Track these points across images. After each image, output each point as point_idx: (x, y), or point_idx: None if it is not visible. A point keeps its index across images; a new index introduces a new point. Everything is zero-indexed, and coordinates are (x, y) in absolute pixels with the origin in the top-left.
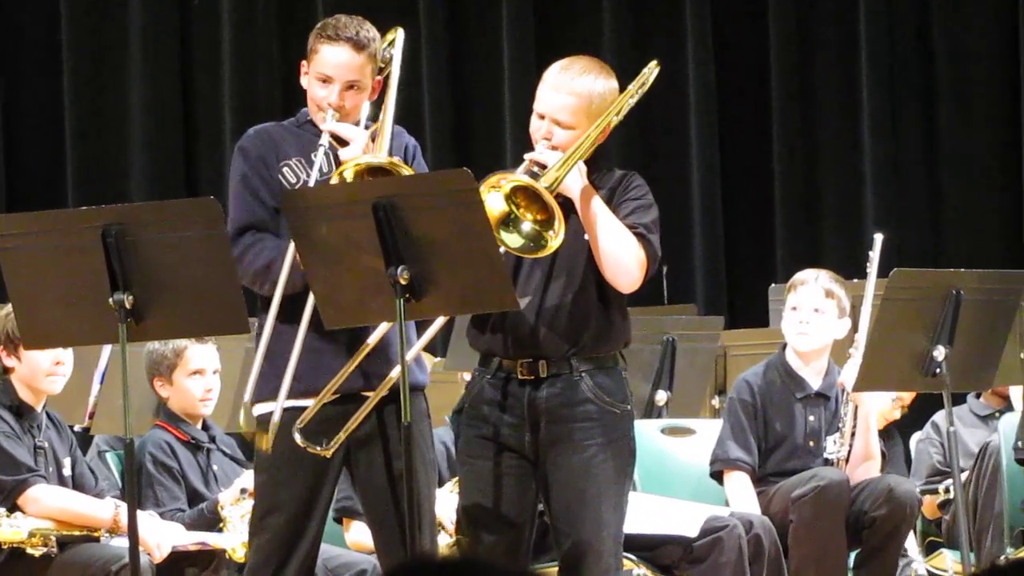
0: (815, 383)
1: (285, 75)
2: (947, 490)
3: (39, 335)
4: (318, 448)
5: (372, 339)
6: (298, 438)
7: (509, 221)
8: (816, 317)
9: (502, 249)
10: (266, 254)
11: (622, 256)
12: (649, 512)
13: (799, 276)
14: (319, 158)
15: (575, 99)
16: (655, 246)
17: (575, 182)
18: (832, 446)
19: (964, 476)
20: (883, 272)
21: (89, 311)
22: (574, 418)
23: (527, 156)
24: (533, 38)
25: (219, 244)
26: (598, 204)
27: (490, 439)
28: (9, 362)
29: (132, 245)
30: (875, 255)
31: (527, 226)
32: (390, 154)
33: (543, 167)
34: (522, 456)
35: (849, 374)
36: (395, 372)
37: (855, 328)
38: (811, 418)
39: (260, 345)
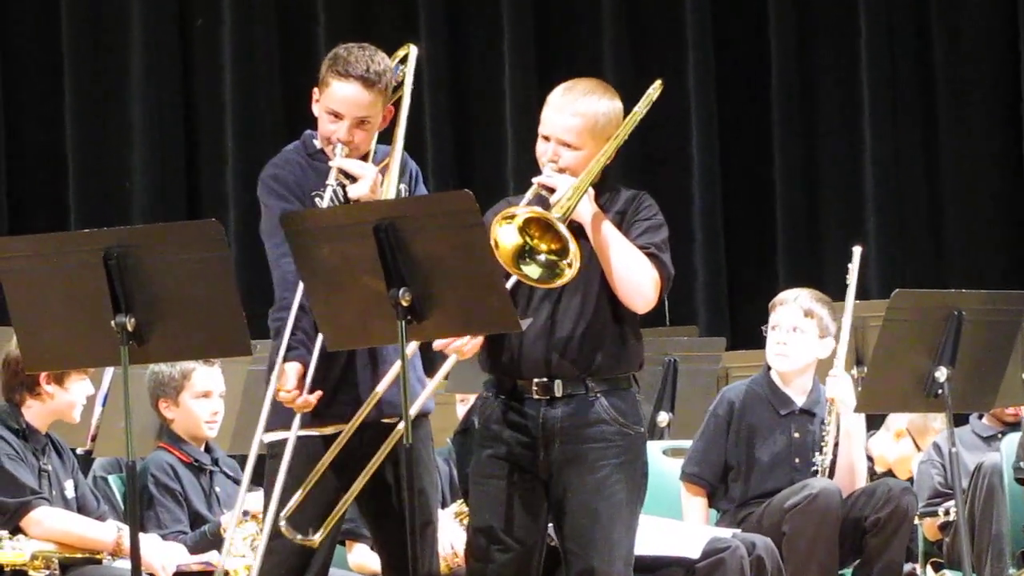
0: (799, 400)
1: (286, 96)
2: (947, 512)
3: (41, 357)
4: (304, 538)
5: (389, 376)
6: (283, 526)
7: (525, 252)
8: (794, 337)
9: (513, 279)
10: (274, 318)
11: (636, 278)
12: (651, 533)
13: (780, 296)
14: (327, 194)
15: (580, 120)
16: (668, 265)
17: (585, 208)
18: (819, 461)
19: None
20: (883, 292)
21: (91, 333)
22: (588, 439)
23: (535, 180)
24: (534, 60)
25: (221, 265)
26: (608, 228)
27: (503, 459)
28: (49, 388)
29: (134, 267)
30: (854, 267)
31: (542, 257)
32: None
33: (551, 191)
34: (535, 476)
35: (834, 388)
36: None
37: (836, 340)
38: (796, 435)
39: (272, 377)
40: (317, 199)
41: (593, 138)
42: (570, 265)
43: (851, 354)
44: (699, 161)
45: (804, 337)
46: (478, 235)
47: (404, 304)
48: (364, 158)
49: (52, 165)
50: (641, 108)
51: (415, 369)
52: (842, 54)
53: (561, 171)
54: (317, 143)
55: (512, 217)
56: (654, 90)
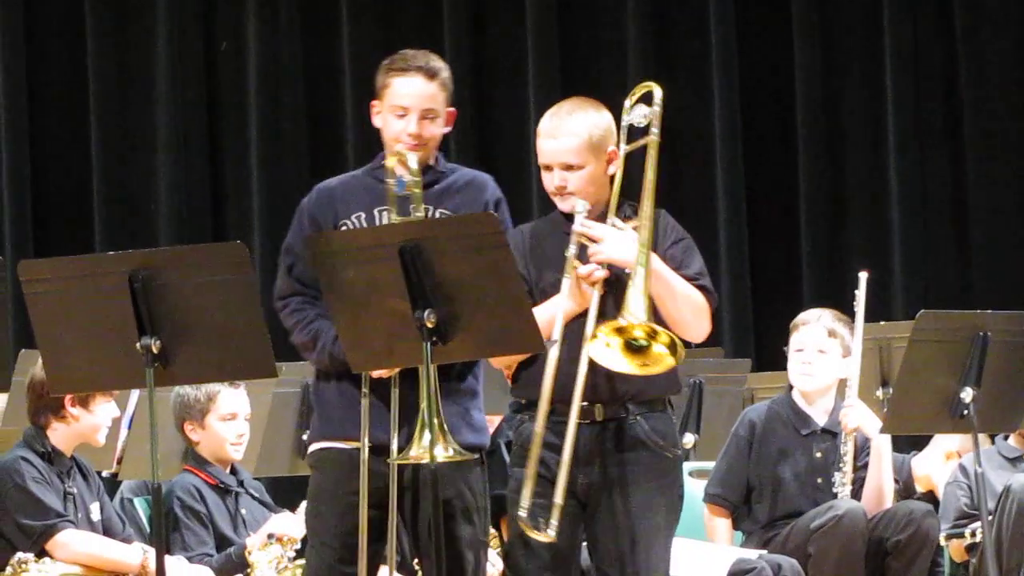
0: (821, 420)
1: (311, 119)
2: (973, 533)
3: (66, 380)
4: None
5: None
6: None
7: (632, 346)
8: (820, 357)
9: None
10: (305, 332)
11: (693, 316)
12: (677, 555)
13: (802, 316)
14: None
15: (576, 139)
16: (712, 290)
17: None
18: (840, 482)
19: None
20: (908, 313)
21: (116, 356)
22: (628, 462)
23: (575, 229)
24: (559, 79)
25: (246, 288)
26: (664, 273)
27: (546, 478)
28: (74, 410)
29: (159, 290)
30: (861, 294)
31: (642, 342)
32: None
33: (593, 240)
34: (574, 497)
35: (852, 418)
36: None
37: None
38: (818, 455)
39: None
40: (344, 229)
41: (593, 153)
42: (670, 346)
43: (875, 376)
44: (724, 183)
45: (828, 357)
46: (502, 256)
47: (429, 326)
48: (427, 169)
49: (77, 188)
50: (657, 130)
51: (476, 399)
52: (868, 69)
53: (570, 194)
54: (384, 161)
55: (598, 335)
56: (658, 105)
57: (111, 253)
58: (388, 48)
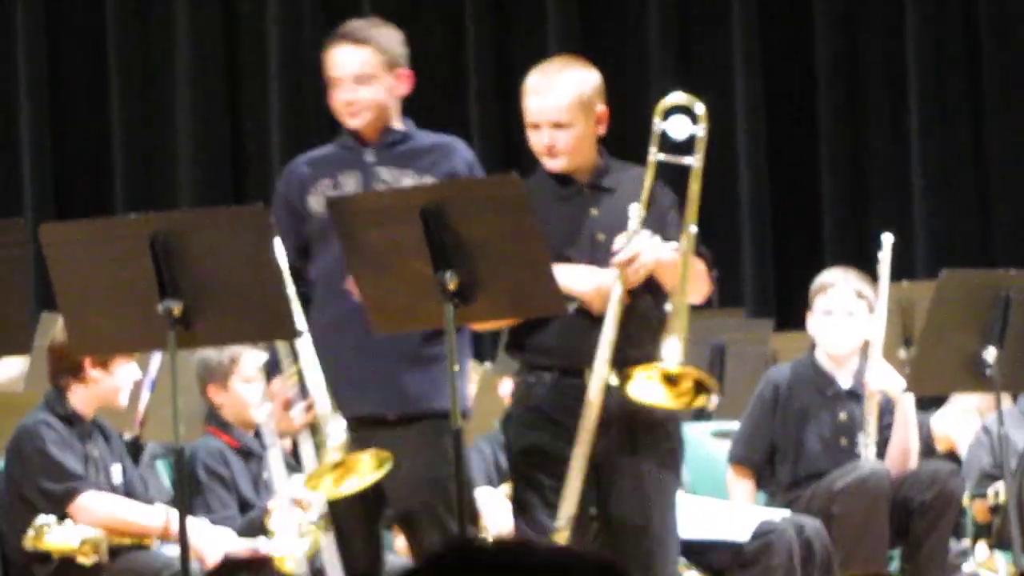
0: (846, 382)
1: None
2: (996, 494)
3: (88, 342)
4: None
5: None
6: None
7: (670, 379)
8: (849, 319)
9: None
10: None
11: (696, 285)
12: (700, 515)
13: (827, 278)
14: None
15: (565, 96)
16: (708, 254)
17: (654, 258)
18: (863, 443)
19: None
20: (931, 272)
21: (138, 318)
22: (642, 425)
23: (614, 261)
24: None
25: (267, 251)
26: (674, 265)
27: (563, 440)
28: (94, 373)
29: (180, 252)
30: (885, 256)
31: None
32: None
33: (631, 261)
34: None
35: (871, 375)
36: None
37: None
38: (842, 415)
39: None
40: (311, 199)
41: (583, 112)
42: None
43: (898, 336)
44: (745, 144)
45: (857, 319)
46: (525, 219)
47: (451, 287)
48: (386, 132)
49: (99, 150)
50: (701, 154)
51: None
52: (890, 32)
53: (559, 154)
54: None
55: (634, 375)
56: (703, 128)
57: (133, 215)
58: (410, 19)
